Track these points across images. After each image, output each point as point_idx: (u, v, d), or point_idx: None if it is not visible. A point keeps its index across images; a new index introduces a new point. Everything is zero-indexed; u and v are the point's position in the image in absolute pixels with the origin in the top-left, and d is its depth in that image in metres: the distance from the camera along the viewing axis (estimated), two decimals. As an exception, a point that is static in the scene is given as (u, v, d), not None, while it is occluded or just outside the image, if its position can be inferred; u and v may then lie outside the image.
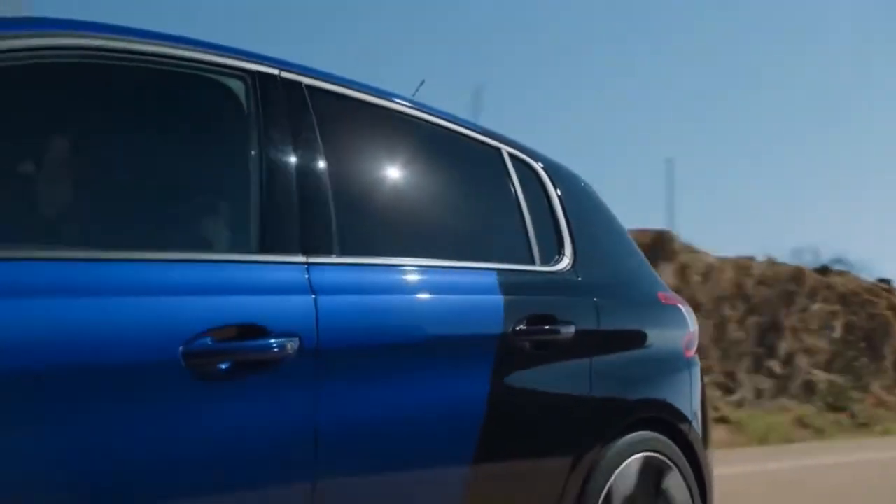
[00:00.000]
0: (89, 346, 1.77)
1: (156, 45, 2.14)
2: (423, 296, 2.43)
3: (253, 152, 2.22)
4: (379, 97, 2.64)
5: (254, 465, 1.98)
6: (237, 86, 2.30)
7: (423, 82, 3.18)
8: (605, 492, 2.78)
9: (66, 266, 1.81)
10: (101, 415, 1.77)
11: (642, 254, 3.50)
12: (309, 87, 2.42)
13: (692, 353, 3.37)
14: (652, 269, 3.48)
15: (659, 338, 3.20)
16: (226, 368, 1.95)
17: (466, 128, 2.91)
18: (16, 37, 1.89)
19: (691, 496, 3.08)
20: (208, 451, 1.91)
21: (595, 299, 2.94)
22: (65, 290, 1.78)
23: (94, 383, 1.76)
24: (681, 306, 3.43)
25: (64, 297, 1.77)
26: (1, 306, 1.68)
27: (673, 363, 3.23)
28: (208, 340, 1.92)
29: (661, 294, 3.38)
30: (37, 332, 1.71)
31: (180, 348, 1.88)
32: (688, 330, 3.38)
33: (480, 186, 2.97)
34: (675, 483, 3.04)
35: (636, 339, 3.10)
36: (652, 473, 2.96)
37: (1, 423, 1.65)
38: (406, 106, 2.71)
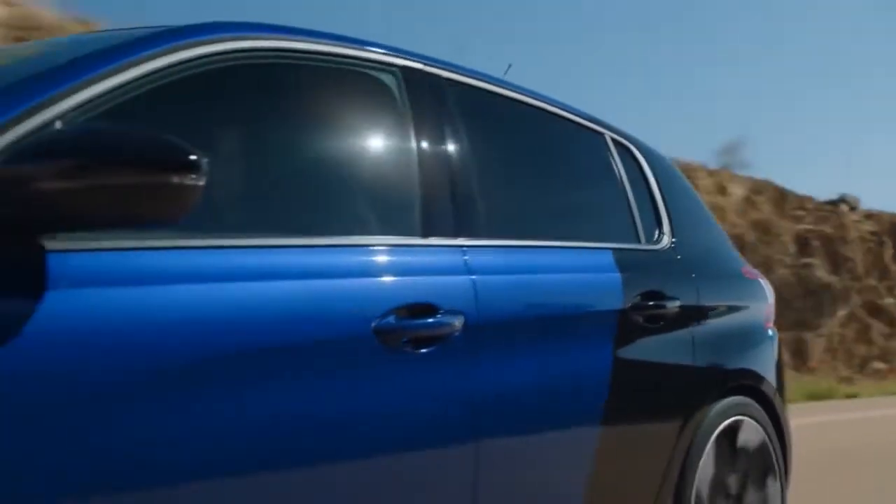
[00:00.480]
0: (302, 323, 1.97)
1: (322, 43, 2.33)
2: (557, 274, 2.64)
3: (408, 143, 2.42)
4: (502, 87, 2.83)
5: (430, 428, 2.20)
6: (390, 80, 2.49)
7: (510, 66, 3.37)
8: (706, 451, 3.02)
9: (279, 252, 2.01)
10: (312, 384, 1.97)
11: (722, 230, 3.72)
12: (447, 79, 2.61)
13: (771, 324, 3.60)
14: (732, 245, 3.71)
15: (746, 310, 3.44)
16: (406, 343, 2.15)
17: (576, 114, 3.11)
18: (228, 39, 2.09)
19: (775, 455, 3.32)
20: (397, 415, 2.13)
21: (693, 275, 3.16)
22: (280, 274, 1.98)
23: (306, 357, 1.97)
24: (761, 280, 3.66)
25: (279, 280, 1.97)
26: (227, 290, 1.88)
27: (758, 334, 3.47)
28: (392, 318, 2.13)
29: (743, 269, 3.61)
30: (255, 313, 1.91)
31: (372, 325, 2.08)
32: (767, 302, 3.62)
33: (592, 171, 3.18)
34: (762, 443, 3.28)
35: (728, 311, 3.33)
36: (744, 435, 3.19)
37: (230, 395, 1.84)
38: (526, 95, 2.91)
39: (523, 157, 2.90)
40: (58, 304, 1.60)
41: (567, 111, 3.08)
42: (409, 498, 2.17)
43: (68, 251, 1.65)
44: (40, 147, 1.61)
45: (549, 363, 2.51)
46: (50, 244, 1.63)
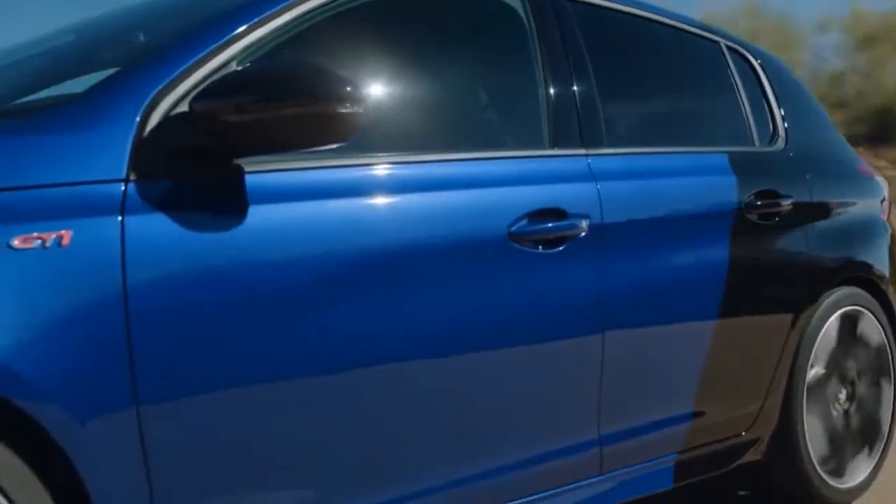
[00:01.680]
0: (448, 228, 2.25)
1: None
2: (674, 178, 2.85)
3: (536, 62, 2.64)
4: (620, 3, 3.02)
5: (561, 321, 2.48)
6: (515, 3, 2.70)
7: None
8: (817, 341, 3.22)
9: (424, 166, 2.28)
10: (458, 284, 2.25)
11: (840, 132, 3.86)
12: None
13: (885, 217, 3.75)
14: (849, 145, 3.84)
15: (860, 206, 3.59)
16: (537, 245, 2.41)
17: (692, 25, 3.28)
18: None
19: (888, 340, 3.50)
20: (530, 311, 2.40)
21: (807, 176, 3.33)
22: (426, 185, 2.25)
23: (452, 259, 2.24)
24: (877, 177, 3.80)
25: (426, 191, 2.24)
26: (382, 202, 2.17)
27: (870, 227, 3.63)
28: (525, 222, 2.38)
29: (860, 167, 3.75)
30: (406, 220, 2.19)
31: (506, 229, 2.34)
32: (881, 197, 3.75)
33: (707, 78, 3.36)
34: (873, 329, 3.47)
35: (841, 207, 3.49)
36: (853, 323, 3.40)
37: (391, 294, 2.13)
38: (642, 9, 3.09)
39: (641, 68, 3.10)
40: (251, 216, 1.92)
41: (683, 22, 3.24)
42: (546, 384, 2.47)
43: (257, 172, 1.96)
44: (223, 85, 1.91)
45: (669, 261, 2.75)
46: (242, 167, 1.94)
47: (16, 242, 1.64)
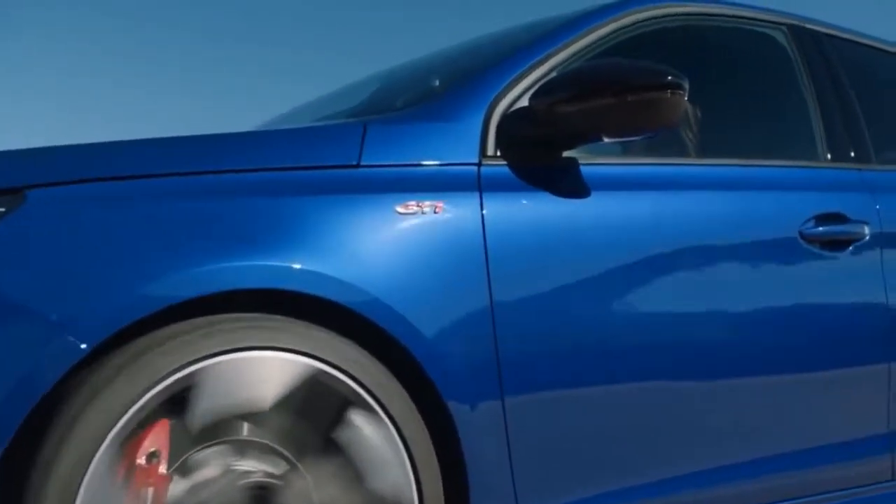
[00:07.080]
0: (744, 223, 2.42)
1: (724, 7, 2.82)
2: None
3: (804, 87, 2.83)
4: (859, 36, 3.22)
5: (847, 316, 2.59)
6: (779, 36, 2.90)
7: None
8: None
9: (722, 169, 2.50)
10: (754, 276, 2.41)
11: None
12: (823, 34, 3.01)
13: None
14: None
15: None
16: (824, 246, 2.55)
17: None
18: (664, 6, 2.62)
19: None
20: (820, 307, 2.53)
21: None
22: (724, 184, 2.45)
23: (748, 252, 2.41)
24: None
25: (723, 190, 2.43)
26: (686, 196, 2.36)
27: None
28: (812, 223, 2.53)
29: None
30: (706, 214, 2.37)
31: (797, 229, 2.49)
32: None
33: None
34: None
35: None
36: None
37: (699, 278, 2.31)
38: (878, 41, 3.29)
39: (883, 92, 3.24)
40: (577, 200, 2.16)
41: None
42: (837, 379, 2.55)
43: (579, 164, 2.20)
44: (554, 84, 2.16)
45: None
46: (576, 158, 2.19)
47: (399, 209, 1.92)
